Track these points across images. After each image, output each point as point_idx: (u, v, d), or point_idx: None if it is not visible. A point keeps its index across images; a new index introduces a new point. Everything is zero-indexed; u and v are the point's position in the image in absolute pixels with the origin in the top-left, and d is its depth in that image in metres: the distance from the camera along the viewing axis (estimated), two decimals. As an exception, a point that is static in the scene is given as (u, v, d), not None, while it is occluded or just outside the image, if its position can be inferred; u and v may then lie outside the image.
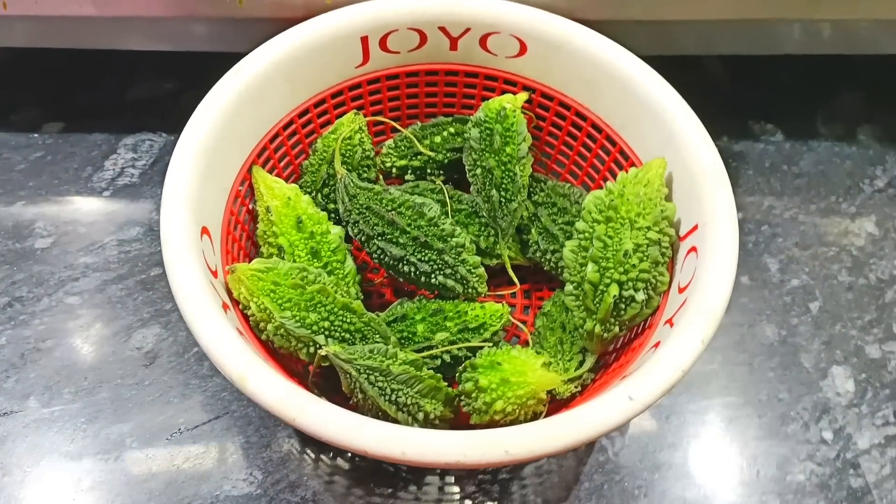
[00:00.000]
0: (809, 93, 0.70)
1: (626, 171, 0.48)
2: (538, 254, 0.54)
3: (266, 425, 0.51)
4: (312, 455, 0.50)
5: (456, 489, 0.49)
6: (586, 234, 0.47)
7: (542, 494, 0.50)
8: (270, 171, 0.52)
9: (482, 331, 0.49)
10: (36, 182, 0.60)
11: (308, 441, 0.51)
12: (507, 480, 0.50)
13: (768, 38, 0.62)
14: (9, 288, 0.55)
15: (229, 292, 0.45)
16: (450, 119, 0.56)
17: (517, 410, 0.44)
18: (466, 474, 0.50)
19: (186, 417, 0.51)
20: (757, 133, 0.67)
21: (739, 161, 0.66)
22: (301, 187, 0.53)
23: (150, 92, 0.65)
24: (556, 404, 0.48)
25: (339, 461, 0.50)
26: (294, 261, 0.48)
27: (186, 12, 0.55)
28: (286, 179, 0.54)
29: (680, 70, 0.62)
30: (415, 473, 0.50)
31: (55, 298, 0.55)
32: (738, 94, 0.70)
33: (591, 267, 0.46)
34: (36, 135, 0.63)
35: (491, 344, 0.48)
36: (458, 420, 0.47)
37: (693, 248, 0.45)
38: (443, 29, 0.53)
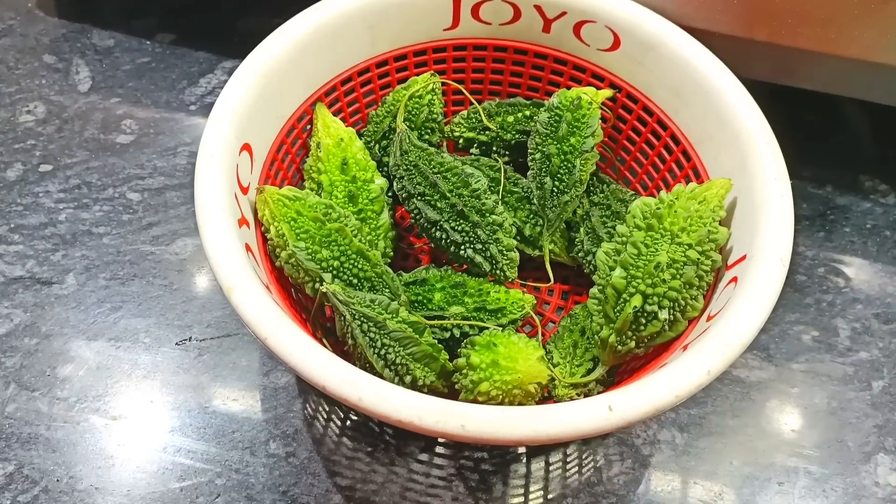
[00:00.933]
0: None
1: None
2: (581, 254, 0.51)
3: (269, 355, 0.51)
4: (307, 396, 0.50)
5: (435, 466, 0.48)
6: (624, 238, 0.44)
7: (520, 497, 0.47)
8: (337, 113, 0.52)
9: (499, 315, 0.48)
10: (135, 84, 0.63)
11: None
12: (489, 472, 0.48)
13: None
14: (82, 172, 0.58)
15: (255, 212, 0.45)
16: (529, 101, 0.55)
17: (501, 396, 0.42)
18: (451, 453, 0.49)
19: (200, 329, 0.52)
20: (867, 190, 0.62)
21: (839, 214, 0.60)
22: (362, 135, 0.54)
23: (259, 24, 0.67)
24: (555, 408, 0.46)
25: (333, 409, 0.50)
26: (330, 200, 0.48)
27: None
28: (353, 125, 0.54)
29: (811, 106, 0.58)
30: (398, 439, 0.49)
31: (119, 191, 0.58)
32: (861, 145, 0.65)
33: (618, 272, 0.43)
34: (148, 42, 0.66)
35: (500, 328, 0.47)
36: (452, 396, 0.45)
37: (734, 279, 0.42)
38: (538, 8, 0.52)
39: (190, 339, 0.51)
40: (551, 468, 0.48)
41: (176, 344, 0.51)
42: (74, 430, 0.48)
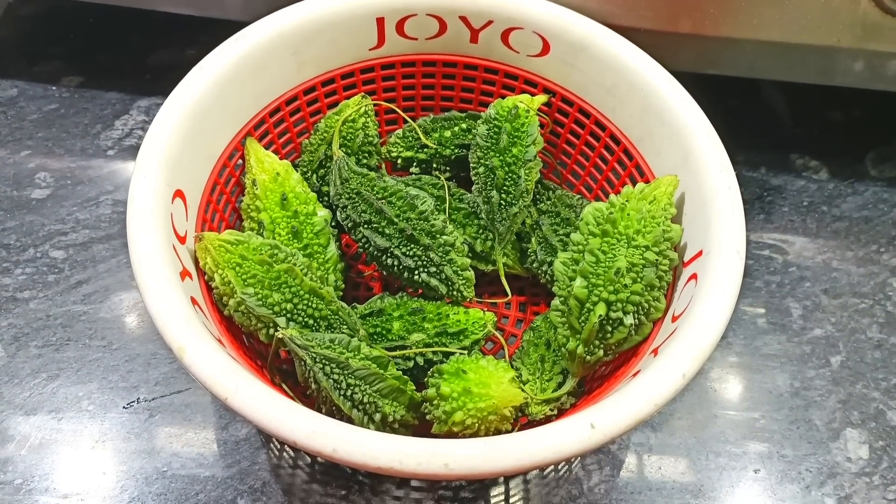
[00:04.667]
0: (865, 131, 0.65)
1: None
2: (535, 264, 0.51)
3: (232, 413, 0.48)
4: (271, 443, 0.48)
5: (413, 501, 0.46)
6: (580, 247, 0.44)
7: (504, 520, 0.46)
8: (268, 146, 0.50)
9: (462, 337, 0.46)
10: (45, 133, 0.60)
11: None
12: (470, 500, 0.47)
13: (823, 68, 0.57)
14: (-2, 234, 0.55)
15: (196, 261, 0.43)
16: (463, 114, 0.54)
17: (477, 424, 0.41)
18: (427, 486, 0.47)
19: (148, 388, 0.49)
20: (799, 168, 0.63)
21: (775, 195, 0.61)
22: (298, 166, 0.52)
23: (172, 57, 0.65)
24: (529, 426, 0.45)
25: (299, 455, 0.48)
26: (273, 238, 0.46)
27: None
28: (286, 156, 0.52)
29: (733, 91, 0.59)
30: (372, 478, 0.47)
31: (41, 250, 0.54)
32: (786, 125, 0.66)
33: (579, 282, 0.42)
34: (53, 87, 0.63)
35: (465, 352, 0.45)
36: (423, 428, 0.44)
37: (694, 276, 0.42)
38: (464, 19, 0.51)
39: (138, 400, 0.48)
40: (531, 486, 0.47)
41: (123, 408, 0.48)
42: (23, 516, 0.44)
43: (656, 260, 0.42)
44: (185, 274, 0.40)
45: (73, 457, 0.46)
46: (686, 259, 0.43)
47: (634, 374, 0.39)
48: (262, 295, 0.41)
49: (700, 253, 0.42)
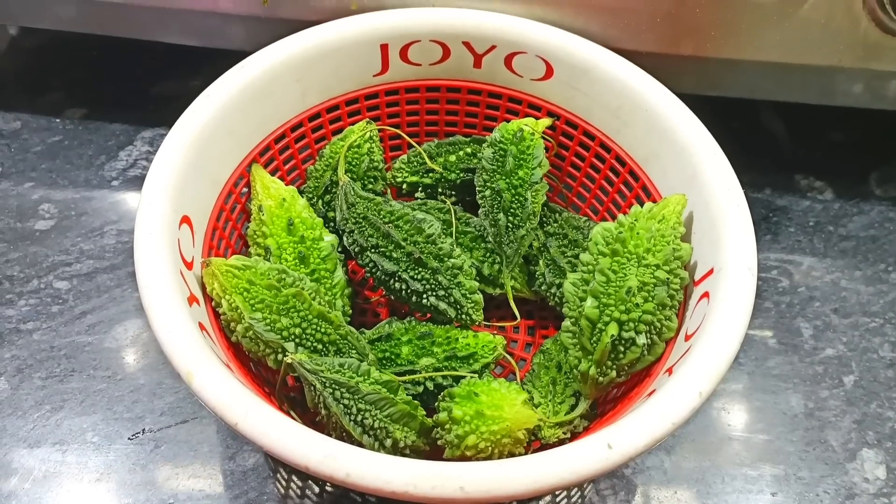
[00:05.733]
0: (868, 152, 0.65)
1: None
2: (544, 287, 0.50)
3: (233, 435, 0.48)
4: (278, 473, 0.47)
5: (424, 530, 0.45)
6: (590, 267, 0.43)
7: (518, 548, 0.45)
8: (273, 172, 0.50)
9: (471, 361, 0.46)
10: (49, 165, 0.60)
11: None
12: (482, 528, 0.46)
13: (825, 88, 0.57)
14: (1, 266, 0.54)
15: (203, 287, 0.43)
16: (468, 139, 0.54)
17: (491, 448, 0.40)
18: (439, 516, 0.46)
19: (153, 418, 0.48)
20: (804, 189, 0.63)
21: (781, 216, 0.61)
22: (304, 192, 0.51)
23: (175, 87, 0.65)
24: (542, 450, 0.44)
25: (307, 483, 0.47)
26: (280, 264, 0.45)
27: (209, 7, 0.55)
28: (291, 183, 0.52)
29: (734, 114, 0.59)
30: (382, 506, 0.46)
31: (45, 281, 0.54)
32: (788, 145, 0.66)
33: (590, 302, 0.42)
34: (57, 119, 0.63)
35: (476, 375, 0.45)
36: (434, 454, 0.43)
37: (706, 294, 0.41)
38: (467, 44, 0.51)
39: (143, 431, 0.48)
40: (544, 513, 0.47)
41: (128, 439, 0.47)
42: (26, 551, 0.43)
43: (667, 278, 0.41)
44: (192, 300, 0.40)
45: (77, 490, 0.46)
46: (697, 278, 0.43)
47: (650, 394, 0.39)
48: (270, 320, 0.41)
49: (711, 271, 0.41)
